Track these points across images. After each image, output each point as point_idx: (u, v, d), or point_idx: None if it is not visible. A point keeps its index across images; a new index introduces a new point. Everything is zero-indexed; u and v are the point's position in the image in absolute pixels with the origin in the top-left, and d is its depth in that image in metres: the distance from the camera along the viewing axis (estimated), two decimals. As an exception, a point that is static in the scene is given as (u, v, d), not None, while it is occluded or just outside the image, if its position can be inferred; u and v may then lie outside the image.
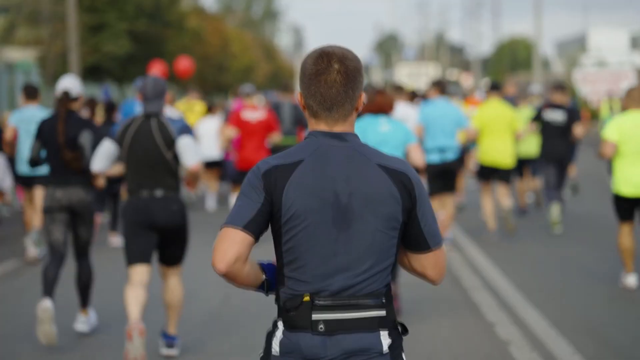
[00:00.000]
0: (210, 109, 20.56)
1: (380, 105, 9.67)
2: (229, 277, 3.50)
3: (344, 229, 3.51)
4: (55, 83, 32.08)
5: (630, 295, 10.55)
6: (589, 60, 62.86)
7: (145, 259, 7.91)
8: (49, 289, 8.50)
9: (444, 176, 13.55)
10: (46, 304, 8.26)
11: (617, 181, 10.61)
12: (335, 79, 3.55)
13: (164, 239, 8.02)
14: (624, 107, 10.80)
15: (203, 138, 19.05)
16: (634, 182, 10.53)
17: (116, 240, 14.45)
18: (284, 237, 3.52)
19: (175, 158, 7.95)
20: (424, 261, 3.63)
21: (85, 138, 8.69)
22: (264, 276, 3.64)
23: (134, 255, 7.92)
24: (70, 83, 8.82)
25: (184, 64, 19.86)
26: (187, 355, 8.26)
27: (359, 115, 11.06)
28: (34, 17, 32.94)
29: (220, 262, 3.45)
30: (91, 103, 15.35)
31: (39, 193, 13.05)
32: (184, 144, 7.89)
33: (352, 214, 3.51)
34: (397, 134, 9.58)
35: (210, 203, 19.25)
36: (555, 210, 15.01)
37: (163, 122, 7.93)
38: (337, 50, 3.59)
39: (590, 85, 46.93)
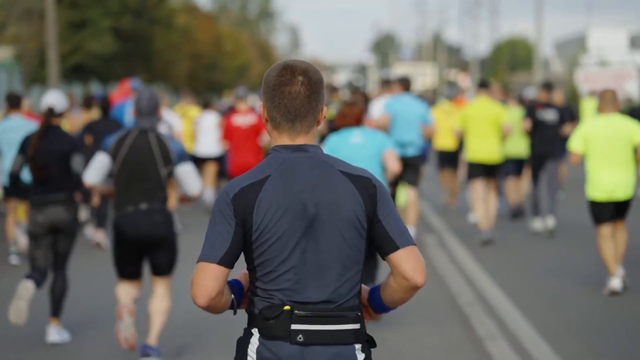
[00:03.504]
0: (206, 105, 20.52)
1: (346, 117, 9.58)
2: (209, 309, 3.63)
3: (312, 238, 3.62)
4: (32, 83, 30.97)
5: (620, 300, 10.53)
6: (590, 60, 61.94)
7: (133, 277, 8.17)
8: (34, 275, 8.71)
9: (403, 169, 13.33)
10: (28, 283, 8.53)
11: (589, 186, 10.84)
12: (300, 90, 3.65)
13: (149, 250, 8.07)
14: (599, 110, 10.90)
15: (201, 134, 18.99)
16: (603, 186, 10.70)
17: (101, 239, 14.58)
18: (255, 252, 3.63)
19: (169, 175, 8.05)
20: (397, 262, 3.64)
21: (77, 163, 8.79)
22: (232, 296, 3.71)
23: (122, 273, 8.18)
24: (54, 99, 8.94)
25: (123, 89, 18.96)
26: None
27: (336, 129, 10.78)
28: (27, 14, 31.69)
29: (200, 298, 3.59)
30: (88, 102, 15.84)
31: (12, 205, 13.29)
32: (185, 171, 8.04)
33: (319, 222, 3.62)
34: (369, 145, 9.43)
35: (209, 195, 18.97)
36: (551, 223, 15.17)
37: (162, 138, 8.05)
38: (300, 63, 3.71)
39: (592, 85, 45.76)
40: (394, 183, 13.54)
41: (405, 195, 13.94)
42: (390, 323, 9.50)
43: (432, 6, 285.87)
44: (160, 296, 8.20)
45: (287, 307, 3.60)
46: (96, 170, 8.09)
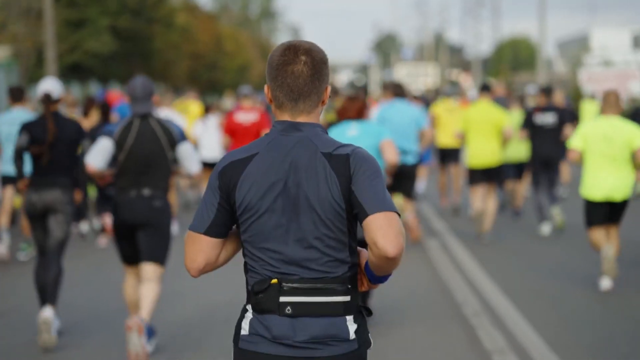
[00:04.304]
0: (207, 109, 20.47)
1: (347, 111, 9.55)
2: (204, 273, 3.76)
3: (293, 218, 3.64)
4: (29, 81, 30.73)
5: (620, 301, 10.52)
6: (593, 59, 61.72)
7: (135, 261, 8.24)
8: (43, 295, 8.67)
9: (400, 178, 13.12)
10: (45, 314, 8.47)
11: (586, 186, 10.78)
12: (302, 69, 3.67)
13: (142, 233, 8.06)
14: (601, 111, 10.90)
15: (202, 139, 18.91)
16: (601, 186, 10.66)
17: (104, 241, 14.66)
18: (242, 227, 3.69)
19: (174, 160, 8.21)
20: (366, 228, 3.54)
21: (87, 147, 8.79)
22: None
23: (125, 257, 8.27)
24: (50, 85, 8.94)
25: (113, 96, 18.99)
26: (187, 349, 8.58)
27: (335, 122, 10.65)
28: (25, 13, 31.43)
29: (191, 269, 3.74)
30: (88, 103, 15.86)
31: (8, 193, 13.32)
32: (185, 150, 8.16)
33: (300, 203, 3.64)
34: (364, 137, 9.44)
35: None
36: (557, 213, 15.22)
37: (164, 124, 8.15)
38: (303, 43, 3.72)
39: (596, 85, 45.49)
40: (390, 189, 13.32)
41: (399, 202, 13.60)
42: (391, 325, 9.44)
43: (432, 6, 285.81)
44: (148, 280, 8.09)
45: (274, 280, 3.65)
46: (100, 156, 8.09)
